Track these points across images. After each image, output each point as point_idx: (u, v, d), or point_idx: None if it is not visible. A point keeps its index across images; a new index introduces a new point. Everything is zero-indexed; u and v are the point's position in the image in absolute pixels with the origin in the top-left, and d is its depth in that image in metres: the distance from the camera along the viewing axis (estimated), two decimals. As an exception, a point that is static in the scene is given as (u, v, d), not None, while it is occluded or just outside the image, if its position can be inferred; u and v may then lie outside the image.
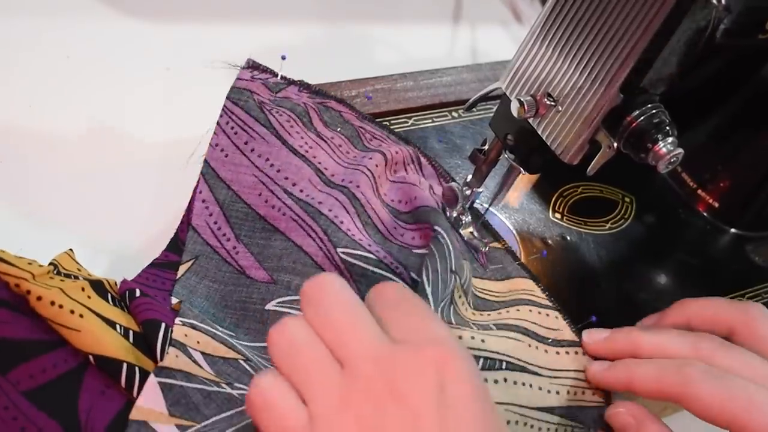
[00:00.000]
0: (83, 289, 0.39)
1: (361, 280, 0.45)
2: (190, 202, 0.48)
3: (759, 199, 0.62)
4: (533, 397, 0.43)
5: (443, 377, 0.30)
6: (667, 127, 0.41)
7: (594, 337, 0.46)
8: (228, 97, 0.50)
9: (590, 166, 0.43)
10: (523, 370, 0.43)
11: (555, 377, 0.44)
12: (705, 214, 0.62)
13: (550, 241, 0.55)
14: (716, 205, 0.61)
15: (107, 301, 0.40)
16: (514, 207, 0.57)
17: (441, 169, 0.53)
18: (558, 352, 0.46)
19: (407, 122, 0.60)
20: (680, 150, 0.40)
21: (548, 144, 0.43)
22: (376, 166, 0.49)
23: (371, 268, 0.45)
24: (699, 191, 0.62)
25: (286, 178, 0.48)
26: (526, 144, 0.46)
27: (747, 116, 0.60)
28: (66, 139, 0.54)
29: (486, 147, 0.49)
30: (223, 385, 0.39)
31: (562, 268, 0.52)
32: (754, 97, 0.59)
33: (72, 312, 0.37)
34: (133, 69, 0.60)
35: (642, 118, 0.41)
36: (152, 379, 0.37)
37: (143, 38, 0.63)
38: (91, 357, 0.37)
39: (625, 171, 0.51)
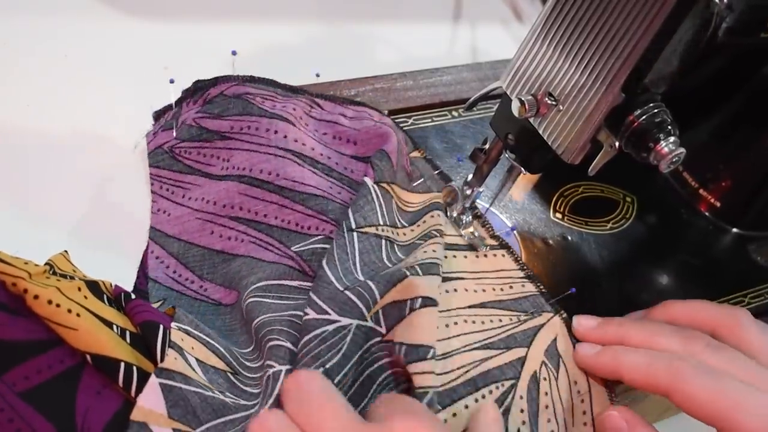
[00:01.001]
0: (79, 289, 0.39)
1: (312, 259, 0.47)
2: (142, 261, 0.48)
3: (761, 198, 0.61)
4: (463, 298, 0.47)
5: None
6: (669, 127, 0.41)
7: (584, 323, 0.46)
8: (150, 165, 0.51)
9: (592, 166, 0.42)
10: (449, 279, 0.47)
11: (478, 279, 0.48)
12: (707, 213, 0.62)
13: (551, 242, 0.55)
14: (718, 204, 0.61)
15: (103, 301, 0.40)
16: (515, 206, 0.57)
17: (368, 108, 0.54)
18: (477, 256, 0.49)
19: (407, 122, 0.60)
20: (682, 149, 0.40)
21: (549, 143, 0.43)
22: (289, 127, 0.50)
23: (320, 245, 0.47)
24: (701, 191, 0.62)
25: (224, 206, 0.48)
26: (526, 143, 0.45)
27: (749, 115, 0.60)
28: (64, 139, 0.53)
29: (486, 146, 0.48)
30: (217, 392, 0.39)
31: (563, 268, 0.52)
32: (756, 95, 0.59)
33: (69, 311, 0.37)
34: (132, 68, 0.60)
35: (644, 117, 0.41)
36: (153, 380, 0.37)
37: (142, 37, 0.63)
38: (88, 356, 0.37)
39: (626, 170, 0.51)
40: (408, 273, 0.42)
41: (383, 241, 0.47)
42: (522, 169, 0.47)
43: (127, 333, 0.39)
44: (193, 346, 0.40)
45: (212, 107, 0.50)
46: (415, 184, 0.53)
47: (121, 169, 0.53)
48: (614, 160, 0.42)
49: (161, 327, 0.39)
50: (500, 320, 0.47)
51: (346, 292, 0.43)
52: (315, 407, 0.33)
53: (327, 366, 0.40)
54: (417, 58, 0.69)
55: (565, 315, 0.48)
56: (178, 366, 0.38)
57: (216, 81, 0.52)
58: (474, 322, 0.46)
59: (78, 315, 0.37)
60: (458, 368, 0.43)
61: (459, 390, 0.42)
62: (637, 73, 0.39)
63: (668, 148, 0.40)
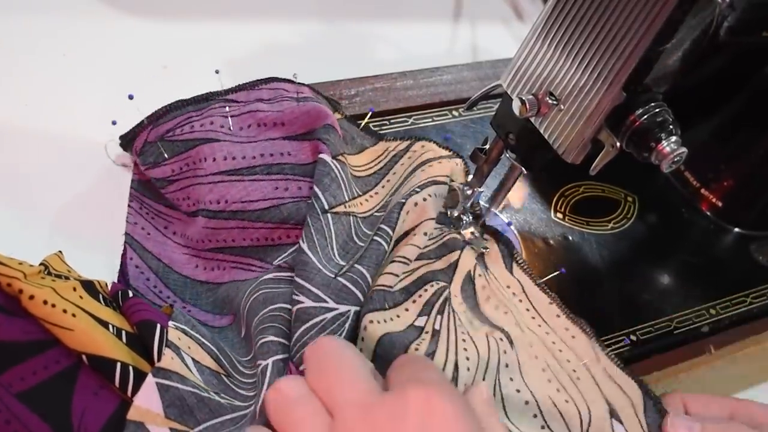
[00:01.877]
0: (75, 289, 0.39)
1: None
2: (122, 266, 0.47)
3: (763, 198, 0.61)
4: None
5: (425, 414, 0.30)
6: (671, 126, 0.40)
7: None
8: (132, 188, 0.50)
9: (593, 166, 0.42)
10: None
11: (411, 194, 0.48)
12: (708, 213, 0.62)
13: (551, 242, 0.55)
14: (720, 204, 0.61)
15: (99, 301, 0.39)
16: (515, 207, 0.56)
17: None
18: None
19: (407, 121, 0.59)
20: (684, 149, 0.40)
21: (550, 143, 0.42)
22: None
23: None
24: (702, 190, 0.61)
25: (199, 241, 0.48)
26: (527, 143, 0.45)
27: (750, 114, 0.60)
28: (62, 138, 0.53)
29: (487, 146, 0.48)
30: (212, 393, 0.39)
31: (564, 268, 0.51)
32: (757, 95, 0.59)
33: (65, 311, 0.37)
34: (131, 67, 0.60)
35: (645, 116, 0.40)
36: (150, 379, 0.37)
37: (141, 36, 0.63)
38: (84, 356, 0.36)
39: (627, 170, 0.51)
40: (386, 248, 0.44)
41: (351, 218, 0.47)
42: (523, 168, 0.47)
43: (123, 333, 0.39)
44: (190, 346, 0.40)
45: (146, 157, 0.49)
46: (348, 145, 0.53)
47: (120, 169, 0.52)
48: (615, 160, 0.42)
49: (158, 326, 0.39)
50: (432, 233, 0.48)
51: (340, 279, 0.42)
52: (333, 376, 0.33)
53: None
54: (417, 57, 0.69)
55: (521, 260, 0.50)
56: (175, 366, 0.38)
57: (135, 132, 0.50)
58: (427, 233, 0.47)
59: (74, 315, 0.37)
60: (395, 280, 0.44)
61: (396, 296, 0.44)
62: (638, 72, 0.39)
63: (670, 147, 0.40)
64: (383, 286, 0.44)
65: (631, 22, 0.38)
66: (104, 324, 0.38)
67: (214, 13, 0.68)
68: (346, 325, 0.41)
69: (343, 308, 0.41)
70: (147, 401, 0.36)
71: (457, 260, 0.48)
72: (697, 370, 0.53)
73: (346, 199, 0.47)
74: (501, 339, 0.45)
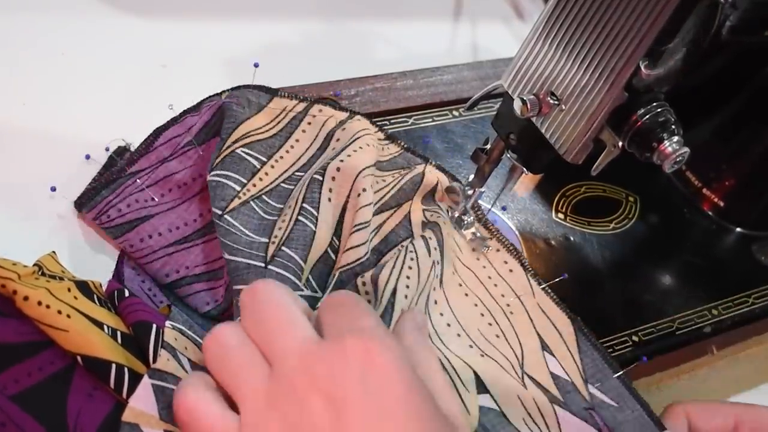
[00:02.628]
0: (69, 290, 0.38)
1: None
2: (117, 266, 0.47)
3: (765, 197, 0.61)
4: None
5: (365, 366, 0.30)
6: (673, 126, 0.40)
7: None
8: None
9: (594, 166, 0.42)
10: None
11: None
12: (710, 213, 0.61)
13: (553, 242, 0.54)
14: (721, 204, 0.61)
15: (93, 301, 0.39)
16: (516, 206, 0.56)
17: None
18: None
19: (407, 121, 0.59)
20: (686, 149, 0.40)
21: (552, 143, 0.42)
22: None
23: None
24: (704, 190, 0.61)
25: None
26: (528, 143, 0.45)
27: (752, 114, 0.60)
28: (60, 137, 0.53)
29: (488, 146, 0.48)
30: None
31: (565, 269, 0.51)
32: (759, 94, 0.58)
33: (59, 312, 0.36)
34: (129, 66, 0.59)
35: (647, 116, 0.40)
36: (146, 380, 0.36)
37: (139, 35, 0.63)
38: (79, 358, 0.36)
39: (629, 170, 0.50)
40: (314, 228, 0.45)
41: (251, 203, 0.46)
42: (524, 169, 0.46)
43: (119, 333, 0.38)
44: (186, 347, 0.40)
45: (113, 231, 0.47)
46: (246, 109, 0.51)
47: (119, 170, 0.52)
48: (616, 160, 0.42)
49: (154, 327, 0.39)
50: (384, 180, 0.49)
51: (272, 268, 0.43)
52: (270, 322, 0.32)
53: None
54: (417, 56, 0.69)
55: (433, 162, 0.51)
56: (171, 367, 0.38)
57: (92, 205, 0.47)
58: (367, 189, 0.47)
59: (68, 316, 0.37)
60: (365, 247, 0.45)
61: (370, 262, 0.45)
62: (640, 72, 0.39)
63: (672, 147, 0.39)
64: (351, 264, 0.44)
65: (633, 21, 0.37)
66: (99, 325, 0.38)
67: (213, 12, 0.68)
68: None
69: None
70: (142, 403, 0.36)
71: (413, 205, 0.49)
72: (699, 370, 0.53)
73: (237, 189, 0.46)
74: (436, 276, 0.45)
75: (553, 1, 0.41)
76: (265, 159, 0.49)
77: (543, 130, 0.42)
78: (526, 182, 0.58)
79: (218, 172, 0.46)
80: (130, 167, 0.49)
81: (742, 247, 0.60)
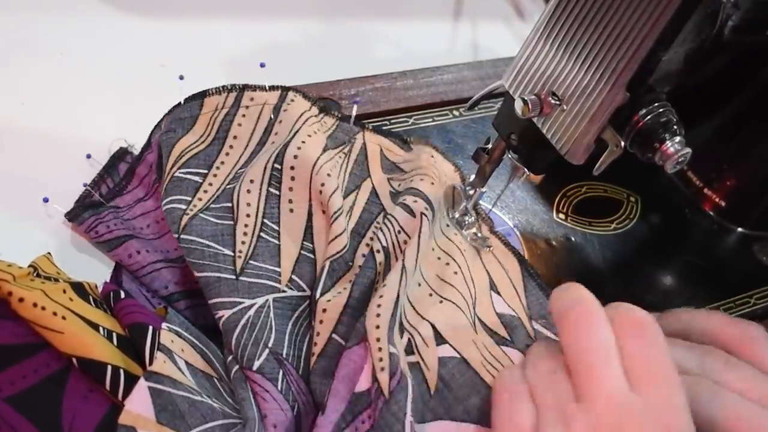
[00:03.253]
0: (64, 291, 0.38)
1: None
2: (115, 268, 0.47)
3: (766, 197, 0.61)
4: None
5: None
6: (675, 126, 0.40)
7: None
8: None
9: (596, 166, 0.42)
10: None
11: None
12: (711, 213, 0.61)
13: (554, 243, 0.54)
14: (723, 204, 0.61)
15: (89, 303, 0.39)
16: (517, 206, 0.56)
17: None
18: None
19: (407, 121, 0.59)
20: (688, 149, 0.39)
21: (553, 144, 0.42)
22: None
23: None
24: (705, 190, 0.61)
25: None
26: (529, 144, 0.45)
27: (753, 114, 0.59)
28: (59, 137, 0.53)
29: (489, 146, 0.48)
30: (205, 397, 0.39)
31: (566, 269, 0.51)
32: (761, 94, 0.58)
33: (54, 314, 0.36)
34: (128, 66, 0.59)
35: (649, 117, 0.40)
36: (142, 383, 0.36)
37: (138, 35, 0.63)
38: (74, 360, 0.36)
39: (630, 170, 0.50)
40: (278, 242, 0.45)
41: (199, 216, 0.46)
42: (525, 169, 0.46)
43: (114, 335, 0.38)
44: (183, 349, 0.40)
45: (103, 246, 0.48)
46: (182, 123, 0.51)
47: (118, 170, 0.52)
48: (617, 160, 0.42)
49: (150, 328, 0.39)
50: (336, 162, 0.49)
51: (243, 278, 0.43)
52: (591, 355, 0.34)
53: (269, 345, 0.41)
54: (417, 56, 0.68)
55: (370, 125, 0.52)
56: (167, 369, 0.37)
57: (82, 220, 0.48)
58: (331, 174, 0.47)
59: (64, 318, 0.37)
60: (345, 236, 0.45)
61: (352, 248, 0.46)
62: (642, 72, 0.38)
63: (674, 148, 0.39)
64: (341, 252, 0.44)
65: (635, 21, 0.37)
66: (95, 326, 0.38)
67: (212, 11, 0.68)
68: (271, 315, 0.43)
69: (260, 300, 0.43)
70: (138, 406, 0.35)
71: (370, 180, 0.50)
72: (700, 371, 0.53)
73: (189, 200, 0.46)
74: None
75: (554, 0, 0.41)
76: (205, 171, 0.48)
77: (544, 131, 0.42)
78: (526, 182, 0.58)
79: (166, 200, 0.46)
80: (112, 201, 0.49)
81: (744, 248, 0.60)
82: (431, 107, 0.61)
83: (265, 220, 0.46)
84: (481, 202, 0.51)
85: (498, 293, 0.47)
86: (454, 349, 0.43)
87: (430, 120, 0.60)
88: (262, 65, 0.53)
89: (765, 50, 0.55)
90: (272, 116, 0.50)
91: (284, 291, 0.44)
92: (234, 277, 0.43)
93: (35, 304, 0.36)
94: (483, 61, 0.67)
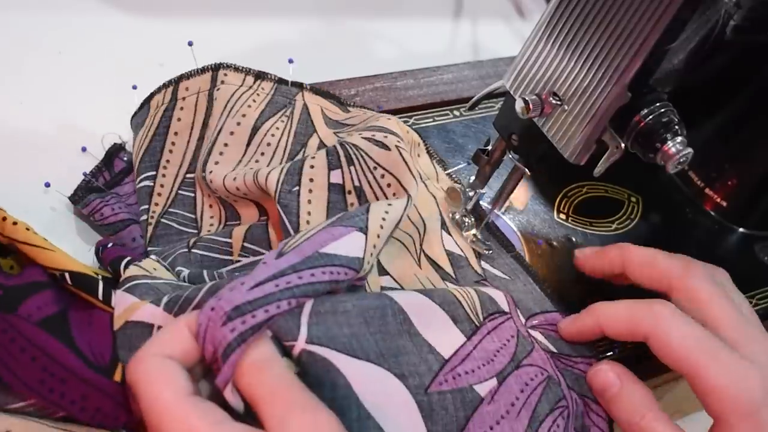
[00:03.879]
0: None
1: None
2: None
3: (767, 197, 0.60)
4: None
5: None
6: (676, 127, 0.40)
7: (585, 251, 0.48)
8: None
9: (597, 167, 0.42)
10: None
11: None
12: (712, 213, 0.61)
13: (555, 243, 0.54)
14: (724, 204, 0.60)
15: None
16: (518, 208, 0.56)
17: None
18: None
19: (408, 121, 0.59)
20: (689, 150, 0.39)
21: (554, 144, 0.42)
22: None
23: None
24: (706, 190, 0.61)
25: None
26: (530, 144, 0.44)
27: (755, 113, 0.59)
28: (57, 137, 0.53)
29: (489, 147, 0.48)
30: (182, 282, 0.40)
31: (567, 270, 0.51)
32: (762, 93, 0.58)
33: (45, 240, 0.38)
34: (127, 65, 0.59)
35: (650, 117, 0.40)
36: (117, 292, 0.38)
37: (137, 34, 0.63)
38: (67, 275, 0.37)
39: (631, 170, 0.50)
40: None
41: (161, 220, 0.47)
42: (526, 169, 0.46)
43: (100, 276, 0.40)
44: (158, 269, 0.41)
45: (107, 229, 0.48)
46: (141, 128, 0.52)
47: (117, 171, 0.52)
48: (619, 160, 0.41)
49: (128, 258, 0.41)
50: (277, 128, 0.49)
51: (195, 251, 0.45)
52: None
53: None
54: (417, 56, 0.68)
55: (308, 85, 0.52)
56: (141, 272, 0.39)
57: (86, 202, 0.47)
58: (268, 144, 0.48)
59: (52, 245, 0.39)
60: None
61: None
62: (643, 72, 0.38)
63: (675, 148, 0.39)
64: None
65: (636, 21, 0.37)
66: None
67: (211, 10, 0.67)
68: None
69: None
70: (120, 305, 0.37)
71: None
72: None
73: (147, 208, 0.47)
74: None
75: (555, 0, 0.40)
76: (153, 172, 0.48)
77: (545, 131, 0.42)
78: (525, 190, 0.58)
79: (141, 216, 0.48)
80: (112, 189, 0.50)
81: (745, 248, 0.60)
82: (431, 107, 0.61)
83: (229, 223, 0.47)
84: (481, 202, 0.51)
85: (449, 233, 0.48)
86: (394, 280, 0.44)
87: (431, 120, 0.60)
88: (290, 61, 0.53)
89: (766, 50, 0.55)
90: (207, 105, 0.50)
91: (239, 261, 0.44)
92: (186, 250, 0.45)
93: (28, 228, 0.38)
94: (483, 60, 0.67)
